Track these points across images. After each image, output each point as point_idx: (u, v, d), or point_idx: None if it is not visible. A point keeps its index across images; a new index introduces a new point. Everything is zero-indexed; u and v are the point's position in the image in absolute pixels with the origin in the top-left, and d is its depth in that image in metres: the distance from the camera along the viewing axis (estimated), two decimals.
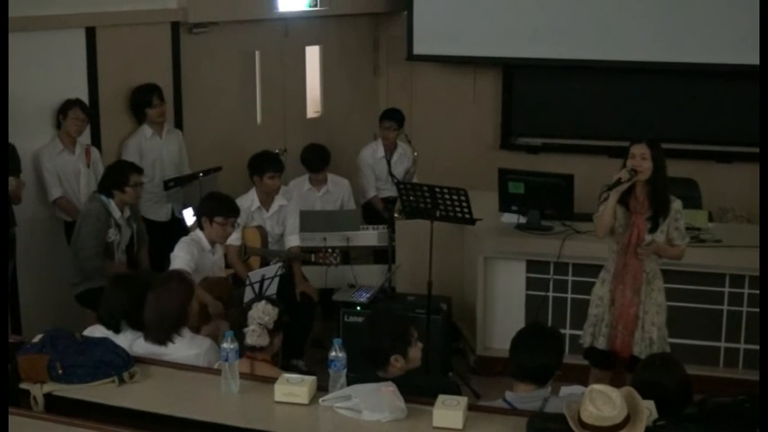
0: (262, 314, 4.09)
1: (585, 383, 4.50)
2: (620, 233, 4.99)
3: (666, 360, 3.99)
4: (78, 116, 6.32)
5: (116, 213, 5.97)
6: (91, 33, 6.60)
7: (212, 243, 5.63)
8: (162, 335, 4.29)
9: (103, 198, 5.94)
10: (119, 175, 5.98)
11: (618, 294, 5.03)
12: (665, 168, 4.93)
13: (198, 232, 5.64)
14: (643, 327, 5.03)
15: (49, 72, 6.33)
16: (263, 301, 4.19)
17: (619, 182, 4.84)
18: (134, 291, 4.45)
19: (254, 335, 4.05)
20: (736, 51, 7.94)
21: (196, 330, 4.62)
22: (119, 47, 6.77)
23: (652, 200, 4.93)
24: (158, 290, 4.34)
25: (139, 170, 6.12)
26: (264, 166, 6.44)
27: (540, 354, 3.89)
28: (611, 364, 5.10)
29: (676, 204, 5.00)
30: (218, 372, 3.88)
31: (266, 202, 6.50)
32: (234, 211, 5.68)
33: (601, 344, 5.08)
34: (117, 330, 4.39)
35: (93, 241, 5.87)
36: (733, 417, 3.38)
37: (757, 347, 5.97)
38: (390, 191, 7.60)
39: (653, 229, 4.93)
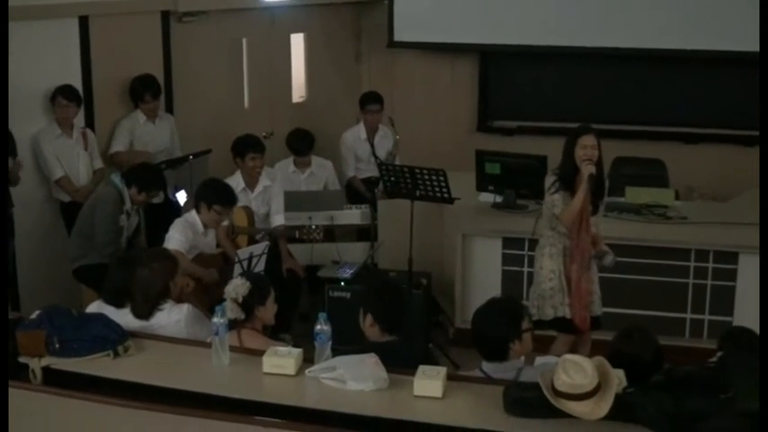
0: (231, 290, 4.16)
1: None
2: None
3: (643, 332, 4.00)
4: (61, 103, 6.27)
5: (128, 202, 5.95)
6: (84, 22, 6.55)
7: (205, 226, 5.61)
8: (145, 310, 4.29)
9: (120, 184, 5.91)
10: (149, 180, 6.00)
11: (573, 273, 5.13)
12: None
13: (193, 214, 5.60)
14: (595, 289, 5.25)
15: (43, 59, 6.27)
16: (238, 278, 4.24)
17: (591, 177, 4.95)
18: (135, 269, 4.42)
19: (228, 309, 4.08)
20: (705, 37, 7.94)
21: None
22: (111, 35, 6.72)
23: (596, 182, 5.04)
24: (143, 267, 4.33)
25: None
26: (244, 149, 6.43)
27: (492, 327, 3.84)
28: (575, 329, 5.23)
29: (607, 182, 5.32)
30: (208, 345, 3.87)
31: (251, 183, 6.47)
32: (233, 203, 5.66)
33: (567, 313, 5.16)
34: (119, 306, 4.35)
35: (110, 226, 5.86)
36: (698, 383, 3.39)
37: (721, 318, 6.02)
38: (372, 171, 7.56)
39: (595, 211, 5.14)
